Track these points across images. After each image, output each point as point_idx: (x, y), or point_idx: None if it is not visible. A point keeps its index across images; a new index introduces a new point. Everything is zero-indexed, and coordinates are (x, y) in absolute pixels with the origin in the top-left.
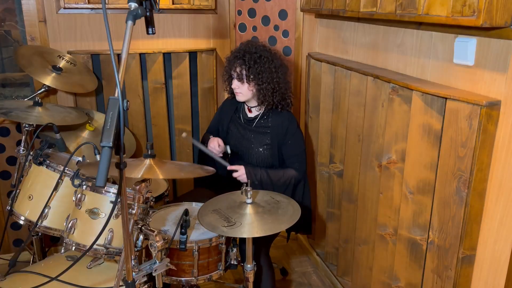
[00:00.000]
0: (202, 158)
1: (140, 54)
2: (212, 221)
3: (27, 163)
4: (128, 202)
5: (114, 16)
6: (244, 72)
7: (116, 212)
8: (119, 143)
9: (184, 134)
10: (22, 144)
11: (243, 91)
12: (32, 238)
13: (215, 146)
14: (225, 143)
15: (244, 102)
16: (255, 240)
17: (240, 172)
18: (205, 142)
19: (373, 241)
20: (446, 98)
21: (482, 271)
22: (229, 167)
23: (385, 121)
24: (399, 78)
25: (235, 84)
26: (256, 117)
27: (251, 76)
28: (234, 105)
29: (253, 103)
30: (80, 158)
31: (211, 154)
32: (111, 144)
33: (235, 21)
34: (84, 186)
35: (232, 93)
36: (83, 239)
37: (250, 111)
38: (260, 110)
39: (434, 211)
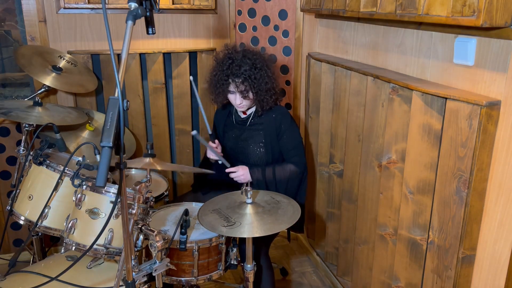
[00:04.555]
0: (205, 162)
1: (140, 54)
2: (212, 221)
3: (27, 163)
4: (128, 202)
5: (114, 16)
6: (248, 88)
7: (116, 212)
8: (119, 143)
9: (194, 132)
10: (22, 144)
11: (248, 103)
12: (32, 238)
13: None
14: (223, 148)
15: None
16: (255, 240)
17: (238, 173)
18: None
19: (373, 241)
20: (446, 98)
21: (482, 271)
22: (228, 170)
23: (385, 121)
24: (399, 78)
25: (239, 100)
26: (249, 116)
27: (256, 89)
28: (226, 111)
29: (250, 107)
30: (80, 158)
31: (213, 151)
32: (111, 144)
33: (235, 21)
34: (84, 186)
35: (223, 106)
36: (83, 239)
37: (244, 113)
38: (252, 109)
39: (434, 211)
